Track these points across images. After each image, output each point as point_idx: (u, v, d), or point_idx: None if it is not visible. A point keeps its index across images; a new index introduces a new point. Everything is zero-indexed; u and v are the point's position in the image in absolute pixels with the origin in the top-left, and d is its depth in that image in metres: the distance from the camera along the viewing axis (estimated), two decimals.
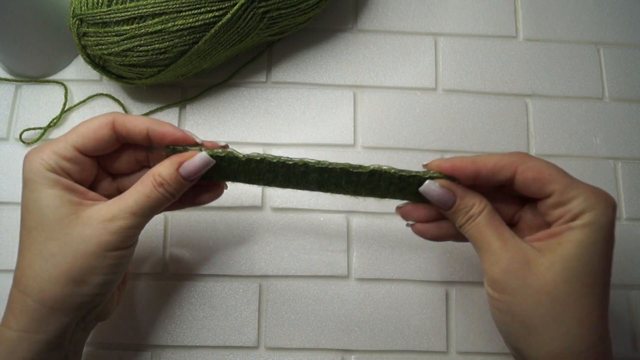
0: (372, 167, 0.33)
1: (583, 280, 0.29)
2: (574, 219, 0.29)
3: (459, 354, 0.42)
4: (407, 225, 0.35)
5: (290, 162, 0.33)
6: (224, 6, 0.39)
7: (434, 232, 0.34)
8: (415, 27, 0.49)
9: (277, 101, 0.47)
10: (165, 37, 0.39)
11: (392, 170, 0.33)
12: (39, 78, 0.46)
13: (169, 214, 0.44)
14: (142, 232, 0.42)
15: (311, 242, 0.44)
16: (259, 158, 0.33)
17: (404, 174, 0.33)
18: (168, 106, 0.46)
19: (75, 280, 0.29)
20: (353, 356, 0.42)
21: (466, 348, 0.42)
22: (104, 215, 0.30)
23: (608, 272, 0.30)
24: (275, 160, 0.33)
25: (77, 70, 0.47)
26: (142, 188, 0.31)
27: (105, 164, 0.34)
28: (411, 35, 0.49)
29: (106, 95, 0.46)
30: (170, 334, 0.42)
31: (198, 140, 0.32)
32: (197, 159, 0.31)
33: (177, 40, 0.39)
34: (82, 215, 0.30)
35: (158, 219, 0.43)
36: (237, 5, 0.39)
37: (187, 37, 0.39)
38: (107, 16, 0.38)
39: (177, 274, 0.43)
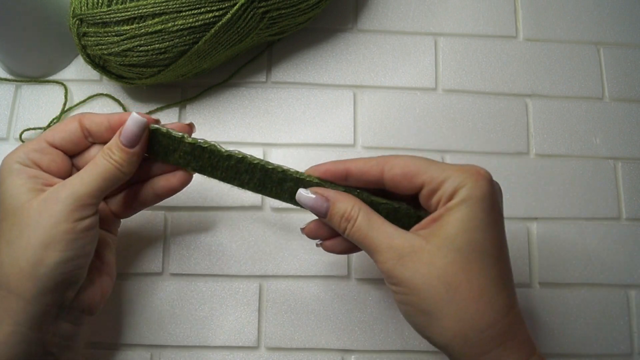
0: (344, 187, 0.33)
1: (470, 258, 0.29)
2: (449, 199, 0.30)
3: None
4: (317, 245, 0.36)
5: (270, 167, 0.33)
6: (224, 6, 0.39)
7: (342, 245, 0.35)
8: (415, 27, 0.49)
9: (277, 101, 0.47)
10: (165, 37, 0.39)
11: (364, 194, 0.33)
12: (39, 78, 0.46)
13: (168, 214, 0.44)
14: (142, 231, 0.43)
15: (311, 242, 0.43)
16: (240, 156, 0.33)
17: (375, 199, 0.33)
18: (168, 106, 0.46)
19: (31, 260, 0.29)
20: (353, 356, 0.42)
21: None
22: (54, 189, 0.31)
23: (499, 244, 0.30)
24: (255, 162, 0.34)
25: (77, 70, 0.47)
26: (93, 161, 0.32)
27: (79, 165, 0.34)
28: (411, 35, 0.49)
29: (106, 95, 0.46)
30: (170, 334, 0.42)
31: (151, 118, 0.33)
32: (128, 121, 0.32)
33: (177, 40, 0.39)
34: (40, 197, 0.30)
35: (158, 219, 0.43)
36: (237, 5, 0.39)
37: (187, 37, 0.39)
38: (107, 16, 0.38)
39: (177, 274, 0.43)
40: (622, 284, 0.44)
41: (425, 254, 0.29)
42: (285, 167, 0.34)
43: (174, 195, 0.44)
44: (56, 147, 0.33)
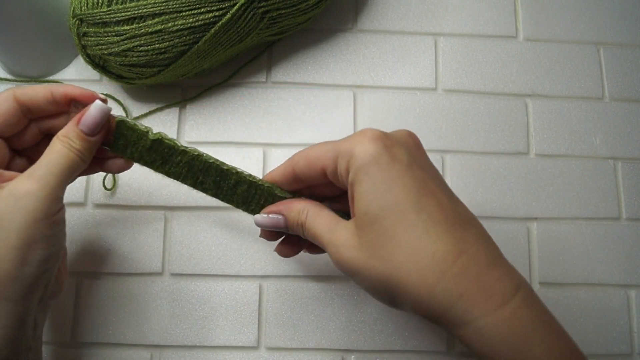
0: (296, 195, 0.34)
1: (389, 224, 0.27)
2: (347, 174, 0.29)
3: (460, 354, 0.42)
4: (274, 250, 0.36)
5: (225, 168, 0.33)
6: (224, 6, 0.39)
7: (288, 251, 0.35)
8: (415, 27, 0.49)
9: (277, 101, 0.47)
10: (165, 37, 0.39)
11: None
12: (39, 78, 0.46)
13: (168, 213, 0.44)
14: (142, 231, 0.43)
15: None
16: (196, 153, 0.33)
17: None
18: (168, 106, 0.46)
19: (15, 262, 0.28)
20: (353, 356, 0.42)
21: (466, 348, 0.42)
22: (25, 186, 0.28)
23: (416, 195, 0.28)
24: (211, 161, 0.33)
25: (77, 70, 0.47)
26: (54, 150, 0.30)
27: (12, 143, 0.33)
28: (411, 35, 0.49)
29: (106, 95, 0.46)
30: (170, 334, 0.42)
31: (101, 97, 0.31)
32: (92, 108, 0.30)
33: (177, 40, 0.39)
34: (3, 195, 0.28)
35: (158, 219, 0.43)
36: (237, 5, 0.39)
37: (187, 37, 0.39)
38: (107, 16, 0.38)
39: (177, 274, 0.43)
40: (622, 284, 0.44)
41: (356, 239, 0.29)
42: (239, 169, 0.34)
43: (174, 195, 0.44)
44: None
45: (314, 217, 0.31)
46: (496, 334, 0.26)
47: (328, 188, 0.33)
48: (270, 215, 0.33)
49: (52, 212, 0.29)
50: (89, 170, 0.33)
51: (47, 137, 0.33)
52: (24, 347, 0.30)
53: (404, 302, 0.28)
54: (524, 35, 0.49)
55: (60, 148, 0.30)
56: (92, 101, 0.31)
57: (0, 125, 0.30)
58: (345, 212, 0.33)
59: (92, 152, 0.31)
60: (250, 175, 0.34)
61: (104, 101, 0.31)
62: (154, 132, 0.33)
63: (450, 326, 0.27)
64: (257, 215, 0.34)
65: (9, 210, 0.28)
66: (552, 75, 0.48)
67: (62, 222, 0.31)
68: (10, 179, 0.30)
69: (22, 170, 0.31)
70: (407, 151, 0.29)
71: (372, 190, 0.28)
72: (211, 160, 0.33)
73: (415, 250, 0.27)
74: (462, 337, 0.27)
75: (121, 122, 0.32)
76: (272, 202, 0.34)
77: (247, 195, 0.34)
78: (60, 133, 0.30)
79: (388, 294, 0.29)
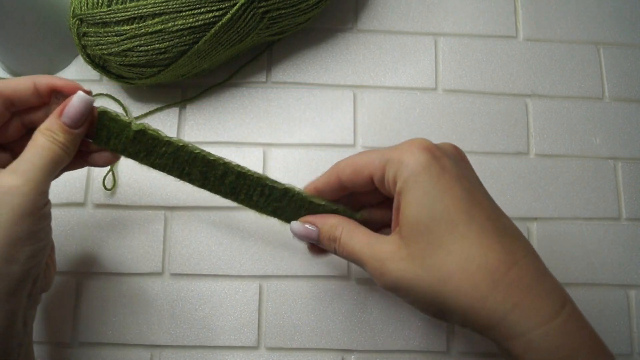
0: (286, 186, 0.34)
1: (439, 232, 0.27)
2: (395, 183, 0.29)
3: (460, 354, 0.42)
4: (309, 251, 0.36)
5: (212, 158, 0.33)
6: (224, 6, 0.39)
7: (318, 250, 0.35)
8: (415, 27, 0.49)
9: (277, 101, 0.47)
10: (165, 37, 0.39)
11: (304, 194, 0.34)
12: None
13: (168, 213, 0.44)
14: (142, 231, 0.43)
15: None
16: (181, 144, 0.32)
17: (314, 200, 0.34)
18: (168, 106, 0.46)
19: (2, 259, 0.27)
20: (353, 356, 0.42)
21: (466, 348, 0.42)
22: (9, 181, 0.28)
23: (466, 204, 0.28)
24: (197, 151, 0.33)
25: (77, 70, 0.47)
26: (37, 144, 0.29)
27: None
28: (411, 35, 0.49)
29: (106, 95, 0.46)
30: (170, 334, 0.42)
31: (84, 88, 0.31)
32: (74, 99, 0.29)
33: (177, 40, 0.39)
34: None
35: (158, 219, 0.43)
36: (237, 5, 0.39)
37: (187, 37, 0.39)
38: (107, 16, 0.38)
39: (177, 274, 0.43)
40: (622, 284, 0.44)
41: (403, 250, 0.29)
42: (226, 160, 0.33)
43: (174, 195, 0.44)
44: None
45: (350, 233, 0.31)
46: (548, 346, 0.26)
47: (369, 196, 0.33)
48: (305, 225, 0.33)
49: (38, 207, 0.28)
50: (74, 165, 0.33)
51: (30, 130, 0.32)
52: (15, 343, 0.30)
53: (454, 311, 0.28)
54: (524, 35, 0.49)
55: (44, 142, 0.29)
56: (75, 92, 0.30)
57: None
58: (380, 224, 0.33)
59: (76, 144, 0.31)
60: (238, 166, 0.33)
61: (88, 93, 0.31)
62: (138, 123, 0.32)
63: (501, 337, 0.27)
64: (293, 222, 0.34)
65: None
66: (552, 75, 0.48)
67: (48, 216, 0.30)
68: None
69: (5, 165, 0.30)
70: (455, 162, 0.29)
71: (422, 199, 0.28)
72: (197, 151, 0.33)
73: (468, 260, 0.27)
74: (512, 349, 0.27)
75: (103, 113, 0.31)
76: (268, 194, 0.34)
77: (235, 186, 0.34)
78: (42, 126, 0.30)
79: (437, 305, 0.28)
